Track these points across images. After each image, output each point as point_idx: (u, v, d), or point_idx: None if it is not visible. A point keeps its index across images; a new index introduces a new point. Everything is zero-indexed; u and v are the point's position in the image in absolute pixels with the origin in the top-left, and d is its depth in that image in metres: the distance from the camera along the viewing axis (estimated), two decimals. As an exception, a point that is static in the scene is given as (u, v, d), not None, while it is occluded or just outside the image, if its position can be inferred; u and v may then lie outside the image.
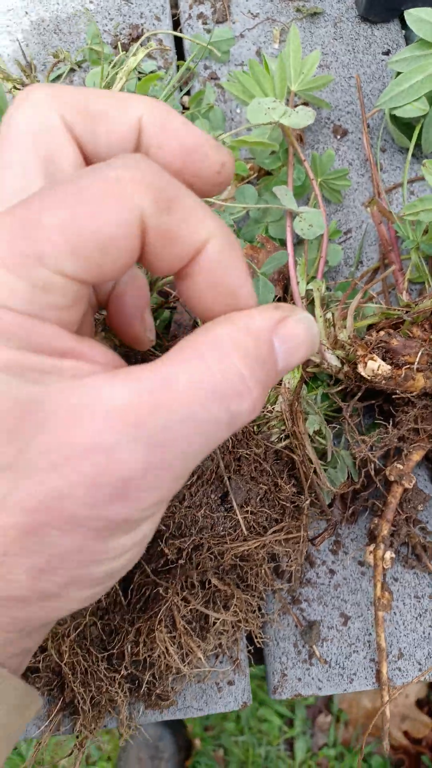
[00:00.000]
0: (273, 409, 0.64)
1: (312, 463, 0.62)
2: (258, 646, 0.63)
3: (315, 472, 0.61)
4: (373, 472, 0.64)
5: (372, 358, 0.62)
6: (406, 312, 0.63)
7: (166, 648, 0.55)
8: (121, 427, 0.31)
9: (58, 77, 0.87)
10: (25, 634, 0.37)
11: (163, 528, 0.59)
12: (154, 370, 0.34)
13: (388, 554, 0.62)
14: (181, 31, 0.96)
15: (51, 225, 0.30)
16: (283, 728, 2.00)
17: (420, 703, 1.98)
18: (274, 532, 0.60)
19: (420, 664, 0.64)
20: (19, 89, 0.70)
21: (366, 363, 0.62)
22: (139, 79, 0.83)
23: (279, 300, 0.73)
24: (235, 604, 0.58)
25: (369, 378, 0.62)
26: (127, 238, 0.32)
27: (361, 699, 2.02)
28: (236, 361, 0.34)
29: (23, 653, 0.40)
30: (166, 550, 0.58)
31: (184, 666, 0.55)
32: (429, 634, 0.65)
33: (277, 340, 0.36)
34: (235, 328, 0.35)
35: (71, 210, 0.30)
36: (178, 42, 0.97)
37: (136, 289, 0.46)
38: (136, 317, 0.46)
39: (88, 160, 0.41)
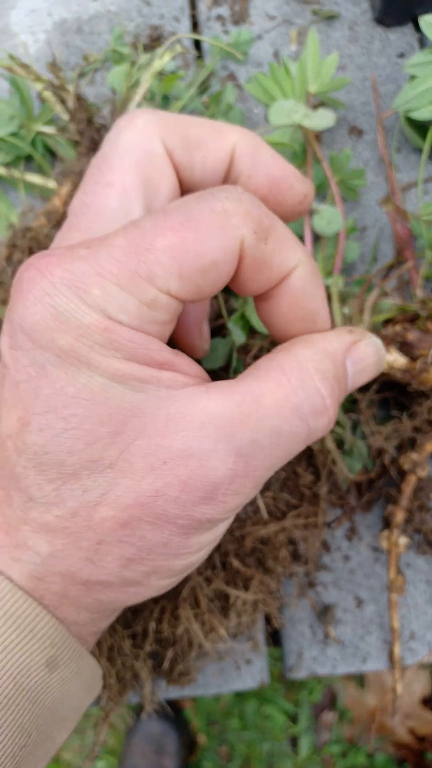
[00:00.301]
0: (292, 398, 0.66)
1: (330, 452, 0.64)
2: (276, 627, 0.65)
3: (333, 460, 0.63)
4: (387, 462, 0.66)
5: (389, 351, 0.64)
6: (422, 307, 0.66)
7: (190, 624, 0.57)
8: (215, 437, 0.34)
9: (84, 75, 0.90)
10: (104, 615, 0.41)
11: (187, 510, 0.61)
12: (244, 387, 0.37)
13: (402, 539, 0.64)
14: (199, 33, 0.98)
15: (162, 248, 0.33)
16: (287, 725, 2.01)
17: (425, 702, 1.99)
18: (294, 517, 0.62)
19: (430, 644, 0.66)
20: (49, 91, 0.72)
21: (383, 355, 0.64)
22: (159, 80, 0.85)
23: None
24: (255, 586, 0.61)
25: (385, 370, 0.64)
26: (228, 264, 0.35)
27: (365, 697, 2.04)
28: (317, 381, 0.37)
29: (97, 633, 0.43)
30: (190, 532, 0.60)
31: (207, 641, 0.57)
32: (441, 618, 0.67)
33: (349, 361, 0.40)
34: (315, 351, 0.39)
35: (182, 236, 0.33)
36: (197, 43, 0.99)
37: (199, 301, 0.49)
38: (196, 327, 0.50)
39: (182, 184, 0.44)
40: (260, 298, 0.41)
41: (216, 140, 0.42)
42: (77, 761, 2.06)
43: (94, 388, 0.33)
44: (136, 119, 0.41)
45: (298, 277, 0.38)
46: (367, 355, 0.41)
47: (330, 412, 0.37)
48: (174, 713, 1.88)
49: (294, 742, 2.03)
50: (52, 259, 0.33)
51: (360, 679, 2.01)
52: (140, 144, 0.40)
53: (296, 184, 0.44)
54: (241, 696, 1.97)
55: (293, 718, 2.02)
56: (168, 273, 0.33)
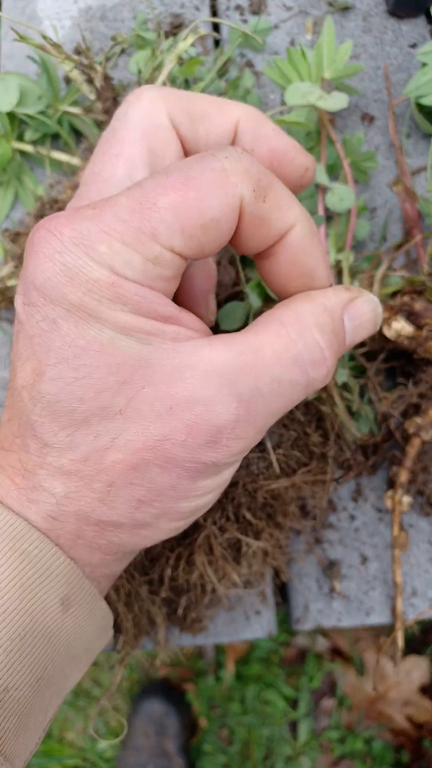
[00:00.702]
0: (304, 363, 0.70)
1: (338, 415, 0.67)
2: (283, 581, 0.69)
3: (342, 422, 0.67)
4: (393, 427, 0.70)
5: (396, 320, 0.68)
6: (429, 279, 0.69)
7: (204, 570, 0.61)
8: (218, 384, 0.36)
9: (110, 56, 0.94)
10: (116, 558, 0.44)
11: (203, 464, 0.64)
12: (246, 338, 0.39)
13: (406, 498, 0.67)
14: (220, 22, 1.02)
15: (165, 206, 0.35)
16: (287, 710, 2.04)
17: (424, 690, 2.02)
18: (303, 473, 0.66)
19: (431, 600, 0.69)
20: (79, 70, 0.76)
21: (390, 324, 0.67)
22: (180, 64, 0.89)
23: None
24: (265, 537, 0.64)
25: (393, 338, 0.68)
26: (229, 221, 0.37)
27: (364, 684, 2.06)
28: (316, 334, 0.39)
29: (110, 577, 0.46)
30: (205, 484, 0.64)
31: (221, 586, 0.61)
32: (441, 575, 0.70)
33: (347, 317, 0.42)
34: (314, 305, 0.41)
35: (183, 194, 0.35)
36: (215, 31, 1.03)
37: (206, 273, 0.51)
38: (202, 299, 0.52)
39: (188, 155, 0.46)
40: (260, 257, 0.42)
41: (220, 114, 0.43)
42: (80, 741, 2.10)
43: (103, 340, 0.34)
44: (142, 94, 0.43)
45: (296, 234, 0.39)
46: (364, 312, 0.42)
47: (328, 363, 0.39)
48: (176, 695, 1.92)
49: (293, 727, 2.06)
50: (61, 220, 0.34)
51: (360, 667, 2.04)
52: (147, 117, 0.42)
53: (298, 157, 0.46)
54: (241, 680, 2.00)
55: (293, 703, 2.05)
56: (171, 230, 0.35)
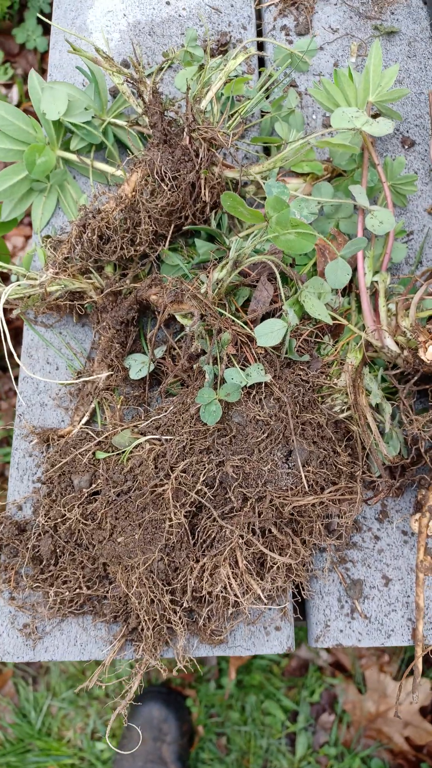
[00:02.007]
0: (337, 383, 0.70)
1: (372, 434, 0.68)
2: (304, 598, 0.70)
3: (374, 442, 0.67)
4: (422, 450, 0.70)
5: (429, 346, 0.69)
6: (465, 306, 0.70)
7: (229, 582, 0.62)
8: None
9: (159, 72, 0.95)
10: None
11: (233, 476, 0.65)
12: None
13: (433, 523, 0.68)
14: (264, 42, 1.04)
15: None
16: (286, 723, 2.04)
17: (423, 711, 2.00)
18: (332, 491, 0.67)
19: (453, 627, 0.69)
20: (130, 83, 0.78)
21: (427, 348, 0.68)
22: (226, 82, 0.90)
23: (344, 289, 0.80)
24: (291, 554, 0.65)
25: (429, 362, 0.68)
26: None
27: (365, 702, 2.05)
28: None
29: None
30: (232, 497, 0.65)
31: (243, 600, 0.62)
32: (463, 602, 0.70)
33: None
34: None
35: None
36: (260, 50, 1.05)
37: None
38: None
39: None
40: None
41: None
42: (79, 741, 2.10)
43: None
44: None
45: None
46: None
47: None
48: (176, 701, 1.92)
49: (292, 740, 2.05)
50: None
51: (362, 685, 2.02)
52: None
53: None
54: (242, 688, 2.00)
55: (293, 716, 2.04)
56: None
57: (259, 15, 1.07)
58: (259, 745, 2.13)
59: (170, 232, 0.79)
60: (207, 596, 0.66)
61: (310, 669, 2.14)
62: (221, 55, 0.96)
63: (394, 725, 2.14)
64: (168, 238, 0.79)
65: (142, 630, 0.66)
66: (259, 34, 1.06)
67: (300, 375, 0.68)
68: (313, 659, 2.16)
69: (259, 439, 0.66)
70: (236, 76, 0.98)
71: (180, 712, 2.01)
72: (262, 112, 0.99)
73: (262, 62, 1.05)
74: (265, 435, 0.66)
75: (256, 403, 0.66)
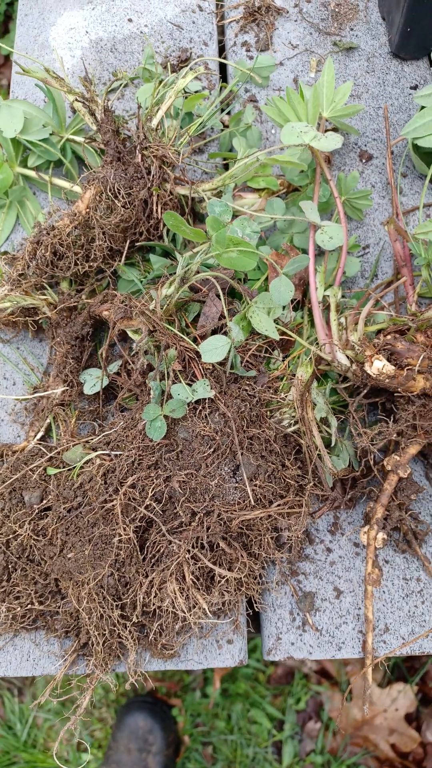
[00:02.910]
0: (286, 396, 0.71)
1: (317, 448, 0.69)
2: (256, 611, 0.70)
3: (319, 456, 0.68)
4: (372, 463, 0.71)
5: (378, 358, 0.69)
6: (412, 319, 0.71)
7: (176, 597, 0.62)
8: None
9: (114, 91, 0.97)
10: None
11: (180, 492, 0.66)
12: None
13: (381, 535, 0.68)
14: (225, 57, 1.05)
15: None
16: (272, 731, 2.03)
17: (409, 718, 2.00)
18: (279, 505, 0.67)
19: (403, 638, 0.70)
20: (80, 102, 0.79)
21: (372, 362, 0.69)
22: (185, 97, 0.92)
23: (297, 303, 0.81)
24: (239, 567, 0.65)
25: (374, 376, 0.69)
26: None
27: (351, 709, 2.05)
28: None
29: None
30: (181, 512, 0.65)
31: (190, 615, 0.62)
32: (414, 613, 0.71)
33: None
34: None
35: None
36: (222, 66, 1.06)
37: None
38: None
39: None
40: None
41: None
42: (64, 752, 2.09)
43: None
44: None
45: None
46: None
47: None
48: (162, 711, 1.91)
49: (278, 749, 2.04)
50: None
51: (348, 692, 2.02)
52: None
53: None
54: (228, 697, 1.99)
55: (279, 724, 2.04)
56: None
57: (222, 31, 1.09)
58: (246, 754, 2.12)
59: (125, 247, 0.79)
60: (157, 610, 0.66)
61: (295, 677, 2.14)
62: (180, 70, 0.97)
63: (380, 732, 2.13)
64: (123, 254, 0.79)
65: (93, 645, 0.66)
66: (222, 49, 1.07)
67: (246, 390, 0.69)
68: (299, 667, 2.16)
69: (206, 454, 0.66)
70: (195, 92, 0.99)
71: (165, 722, 2.01)
72: (223, 126, 1.00)
73: (226, 77, 1.06)
74: (212, 450, 0.66)
75: (202, 419, 0.67)
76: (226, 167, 0.98)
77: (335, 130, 0.96)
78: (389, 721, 2.10)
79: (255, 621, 0.74)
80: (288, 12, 1.05)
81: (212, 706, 2.10)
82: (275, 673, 2.17)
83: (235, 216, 0.82)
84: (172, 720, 2.05)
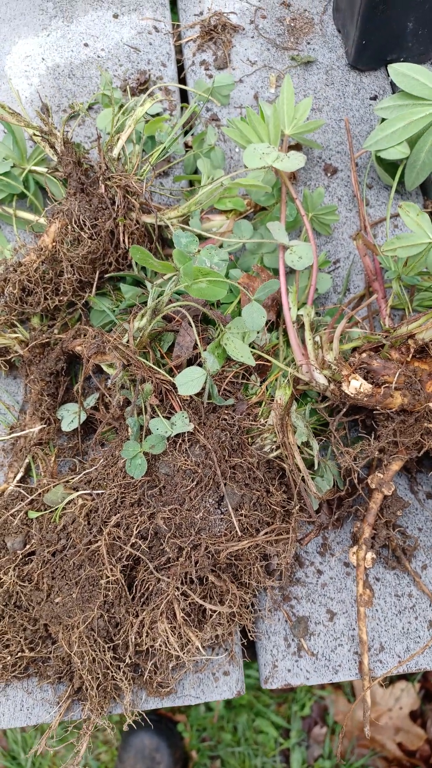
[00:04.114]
0: (266, 422, 0.71)
1: (300, 472, 0.68)
2: (251, 639, 0.69)
3: (303, 479, 0.68)
4: (356, 481, 0.71)
5: (355, 378, 0.69)
6: (386, 337, 0.71)
7: (167, 637, 0.61)
8: None
9: (73, 118, 0.96)
10: None
11: (165, 528, 0.65)
12: None
13: (369, 555, 0.68)
14: (185, 77, 1.05)
15: None
16: (279, 740, 2.02)
17: (413, 716, 2.01)
18: (266, 533, 0.67)
19: (399, 656, 0.69)
20: (38, 136, 0.78)
21: (350, 382, 0.69)
22: (147, 121, 0.91)
23: (272, 324, 0.81)
24: (230, 600, 0.65)
25: (352, 395, 0.69)
26: None
27: (355, 711, 2.05)
28: None
29: None
30: (167, 549, 0.64)
31: (183, 654, 0.61)
32: (408, 629, 0.71)
33: None
34: None
35: None
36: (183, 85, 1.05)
37: None
38: None
39: None
40: None
41: None
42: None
43: None
44: None
45: None
46: None
47: None
48: (167, 728, 1.89)
49: (286, 757, 2.04)
50: None
51: (351, 693, 2.02)
52: None
53: None
54: (232, 709, 1.98)
55: (286, 732, 2.03)
56: None
57: (180, 50, 1.08)
58: (254, 764, 2.11)
59: (95, 279, 0.78)
60: (150, 649, 0.65)
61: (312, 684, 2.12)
62: (141, 94, 0.96)
63: (386, 732, 2.14)
64: (94, 285, 0.78)
65: (87, 689, 0.65)
66: (181, 69, 1.07)
67: (225, 419, 0.68)
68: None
69: (189, 487, 0.65)
70: (157, 114, 0.98)
71: (172, 739, 1.99)
72: (186, 147, 1.00)
73: (185, 97, 1.06)
74: (195, 483, 0.66)
75: (183, 453, 0.66)
76: (192, 188, 0.98)
77: (298, 145, 0.96)
78: (394, 720, 2.11)
79: (251, 649, 0.73)
80: (244, 29, 1.05)
81: (217, 719, 2.09)
82: (278, 681, 2.14)
83: (204, 238, 0.81)
84: (178, 736, 2.03)
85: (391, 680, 1.97)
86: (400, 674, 2.05)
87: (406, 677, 2.04)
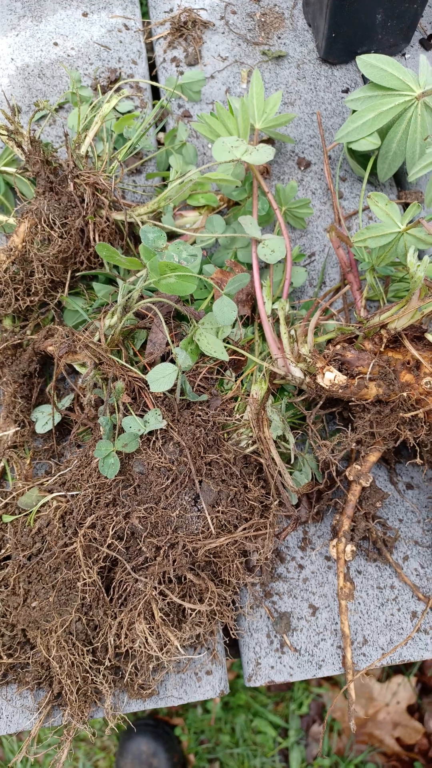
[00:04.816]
0: (242, 417, 0.70)
1: (277, 466, 0.68)
2: (233, 637, 0.68)
3: (280, 473, 0.67)
4: (335, 474, 0.70)
5: (329, 370, 0.69)
6: (359, 327, 0.70)
7: (146, 638, 0.60)
8: None
9: (43, 117, 0.95)
10: None
11: (141, 528, 0.64)
12: None
13: (349, 547, 0.68)
14: (156, 74, 1.04)
15: None
16: (277, 739, 2.02)
17: (411, 710, 2.01)
18: (244, 529, 0.66)
19: (383, 649, 0.69)
20: (4, 135, 0.77)
21: (324, 374, 0.68)
22: (117, 118, 0.90)
23: (247, 319, 0.80)
24: (209, 597, 0.64)
25: (327, 387, 0.69)
26: None
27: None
28: None
29: None
30: (144, 548, 0.64)
31: (163, 654, 0.60)
32: (391, 621, 0.70)
33: None
34: None
35: None
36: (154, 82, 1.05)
37: None
38: None
39: None
40: None
41: None
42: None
43: None
44: None
45: None
46: None
47: None
48: (164, 732, 1.88)
49: (285, 756, 2.03)
50: None
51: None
52: None
53: None
54: (230, 710, 1.97)
55: (284, 731, 2.02)
56: None
57: (151, 47, 1.08)
58: (253, 765, 2.10)
59: (67, 278, 0.77)
60: (130, 651, 0.64)
61: (295, 682, 2.12)
62: (111, 92, 0.96)
63: (384, 727, 2.13)
64: (66, 284, 0.78)
65: (67, 694, 0.64)
66: (152, 66, 1.06)
67: (200, 415, 0.68)
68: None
69: (164, 485, 0.65)
70: (127, 112, 0.97)
71: (169, 744, 1.97)
72: (159, 144, 0.99)
73: (157, 95, 1.05)
74: (170, 480, 0.65)
75: (156, 450, 0.65)
76: (166, 185, 0.97)
77: (270, 140, 0.96)
78: (392, 715, 2.10)
79: (234, 647, 0.72)
80: (215, 25, 1.05)
81: (214, 722, 2.08)
82: (275, 680, 2.13)
83: (177, 235, 0.81)
84: (175, 740, 2.02)
85: (387, 675, 1.97)
86: (396, 669, 2.05)
87: (402, 671, 2.03)
